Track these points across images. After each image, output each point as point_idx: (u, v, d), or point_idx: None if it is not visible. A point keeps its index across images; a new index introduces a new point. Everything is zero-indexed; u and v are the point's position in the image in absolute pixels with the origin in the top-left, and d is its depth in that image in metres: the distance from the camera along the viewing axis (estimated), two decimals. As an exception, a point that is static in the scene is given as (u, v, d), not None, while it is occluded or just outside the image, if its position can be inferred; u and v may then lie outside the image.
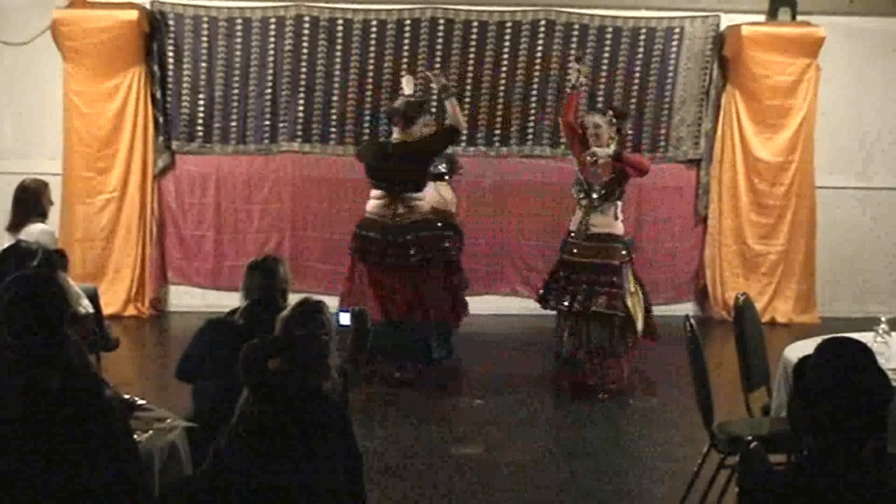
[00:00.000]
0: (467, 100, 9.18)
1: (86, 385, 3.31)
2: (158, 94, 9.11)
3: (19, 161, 8.90)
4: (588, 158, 6.90)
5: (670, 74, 9.25)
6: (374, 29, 9.12)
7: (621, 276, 6.97)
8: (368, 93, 9.08)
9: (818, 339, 3.07)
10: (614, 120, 7.04)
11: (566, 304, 6.96)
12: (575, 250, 6.99)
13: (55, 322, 3.31)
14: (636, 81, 9.24)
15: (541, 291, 7.23)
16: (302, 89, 9.16)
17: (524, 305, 9.27)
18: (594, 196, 6.96)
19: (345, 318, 5.28)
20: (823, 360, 2.82)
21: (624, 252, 7.03)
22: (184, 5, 9.08)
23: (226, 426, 3.48)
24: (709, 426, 4.94)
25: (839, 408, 2.72)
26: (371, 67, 9.12)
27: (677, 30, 9.21)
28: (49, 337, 3.28)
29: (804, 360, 2.88)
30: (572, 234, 7.05)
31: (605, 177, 6.96)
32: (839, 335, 3.09)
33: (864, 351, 2.84)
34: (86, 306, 6.28)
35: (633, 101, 9.22)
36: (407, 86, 7.55)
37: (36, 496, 3.17)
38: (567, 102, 7.25)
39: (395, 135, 7.24)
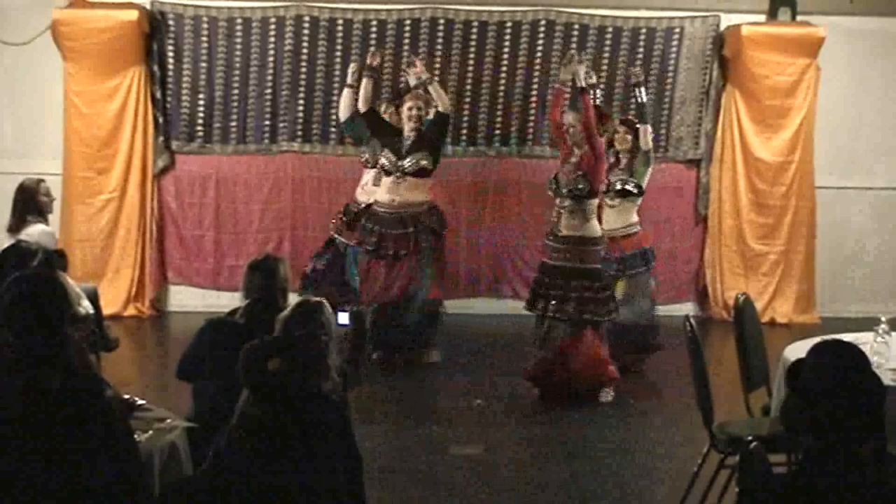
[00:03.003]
0: (467, 100, 9.18)
1: (86, 385, 3.31)
2: (158, 94, 9.11)
3: (19, 161, 8.90)
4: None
5: (670, 74, 9.25)
6: (374, 29, 9.12)
7: (601, 279, 6.85)
8: (368, 93, 9.06)
9: (818, 340, 3.08)
10: None
11: (543, 307, 6.80)
12: (552, 253, 6.83)
13: (55, 322, 3.31)
14: (636, 81, 9.23)
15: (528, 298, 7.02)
16: (302, 89, 9.16)
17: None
18: (563, 194, 6.76)
19: (343, 318, 5.27)
20: (822, 361, 2.83)
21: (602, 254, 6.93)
22: (184, 5, 9.08)
23: (226, 426, 3.49)
24: (709, 426, 4.94)
25: (839, 408, 2.73)
26: (371, 67, 9.11)
27: (677, 30, 9.21)
28: (49, 337, 3.28)
29: (798, 363, 2.89)
30: (549, 237, 6.90)
31: (572, 174, 6.75)
32: (832, 337, 3.10)
33: (859, 352, 2.86)
34: (86, 306, 6.28)
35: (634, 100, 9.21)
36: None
37: (36, 496, 3.17)
38: (554, 100, 7.12)
39: None
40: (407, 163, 7.51)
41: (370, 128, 7.73)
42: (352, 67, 8.11)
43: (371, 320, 7.42)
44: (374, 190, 7.89)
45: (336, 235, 8.11)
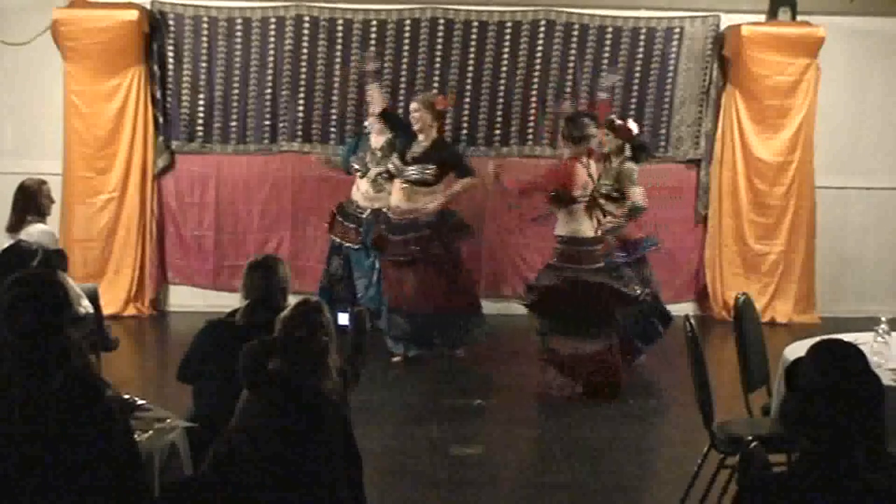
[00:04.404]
0: (467, 100, 9.18)
1: (86, 385, 3.31)
2: (158, 94, 9.10)
3: (19, 161, 8.89)
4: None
5: (670, 74, 9.25)
6: (374, 29, 9.12)
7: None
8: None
9: (817, 339, 3.08)
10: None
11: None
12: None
13: (56, 322, 3.31)
14: (636, 81, 9.24)
15: None
16: (302, 89, 9.15)
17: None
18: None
19: (343, 319, 5.26)
20: (821, 360, 2.83)
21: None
22: (184, 5, 9.08)
23: (226, 426, 3.49)
24: (709, 426, 4.94)
25: (837, 408, 2.73)
26: (371, 67, 9.13)
27: (677, 30, 9.21)
28: (49, 337, 3.28)
29: (797, 363, 2.89)
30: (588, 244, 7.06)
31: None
32: (831, 336, 3.10)
33: (859, 352, 2.86)
34: (86, 306, 6.29)
35: (633, 101, 9.22)
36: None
37: (36, 496, 3.17)
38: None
39: None
40: (411, 170, 7.55)
41: (390, 127, 7.83)
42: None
43: (409, 323, 7.64)
44: (377, 197, 8.05)
45: (333, 237, 8.28)
